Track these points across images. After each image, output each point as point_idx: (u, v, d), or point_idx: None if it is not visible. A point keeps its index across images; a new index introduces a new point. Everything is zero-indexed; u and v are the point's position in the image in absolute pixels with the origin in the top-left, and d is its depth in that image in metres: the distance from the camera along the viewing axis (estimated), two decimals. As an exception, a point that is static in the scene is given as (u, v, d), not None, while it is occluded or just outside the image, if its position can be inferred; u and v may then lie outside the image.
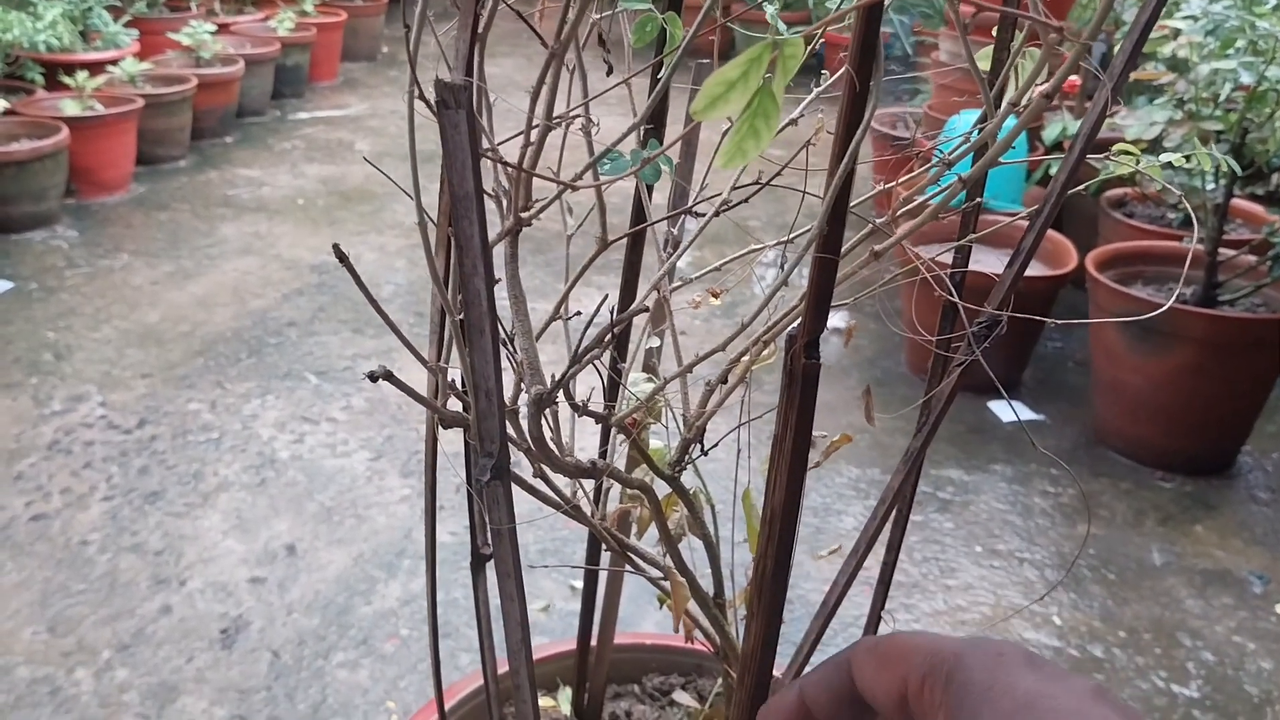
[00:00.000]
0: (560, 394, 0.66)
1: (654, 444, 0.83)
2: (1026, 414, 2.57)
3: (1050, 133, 2.86)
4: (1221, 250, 2.27)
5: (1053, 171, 2.74)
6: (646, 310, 0.70)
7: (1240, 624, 1.88)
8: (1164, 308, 0.79)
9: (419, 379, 0.68)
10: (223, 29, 4.60)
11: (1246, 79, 2.01)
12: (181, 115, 3.92)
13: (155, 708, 1.55)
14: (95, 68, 3.70)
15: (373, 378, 0.54)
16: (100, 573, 1.83)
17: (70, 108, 3.44)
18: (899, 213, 0.70)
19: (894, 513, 0.85)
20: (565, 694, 1.07)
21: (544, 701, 1.06)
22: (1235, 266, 2.28)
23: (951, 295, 0.74)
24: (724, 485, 0.88)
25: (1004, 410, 2.55)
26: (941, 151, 0.72)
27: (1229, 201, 2.24)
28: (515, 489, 0.64)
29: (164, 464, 2.16)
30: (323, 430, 2.30)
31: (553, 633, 1.73)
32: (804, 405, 0.60)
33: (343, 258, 0.58)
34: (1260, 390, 2.31)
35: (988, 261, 0.85)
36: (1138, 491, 2.27)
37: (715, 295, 0.84)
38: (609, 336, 0.60)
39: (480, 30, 0.64)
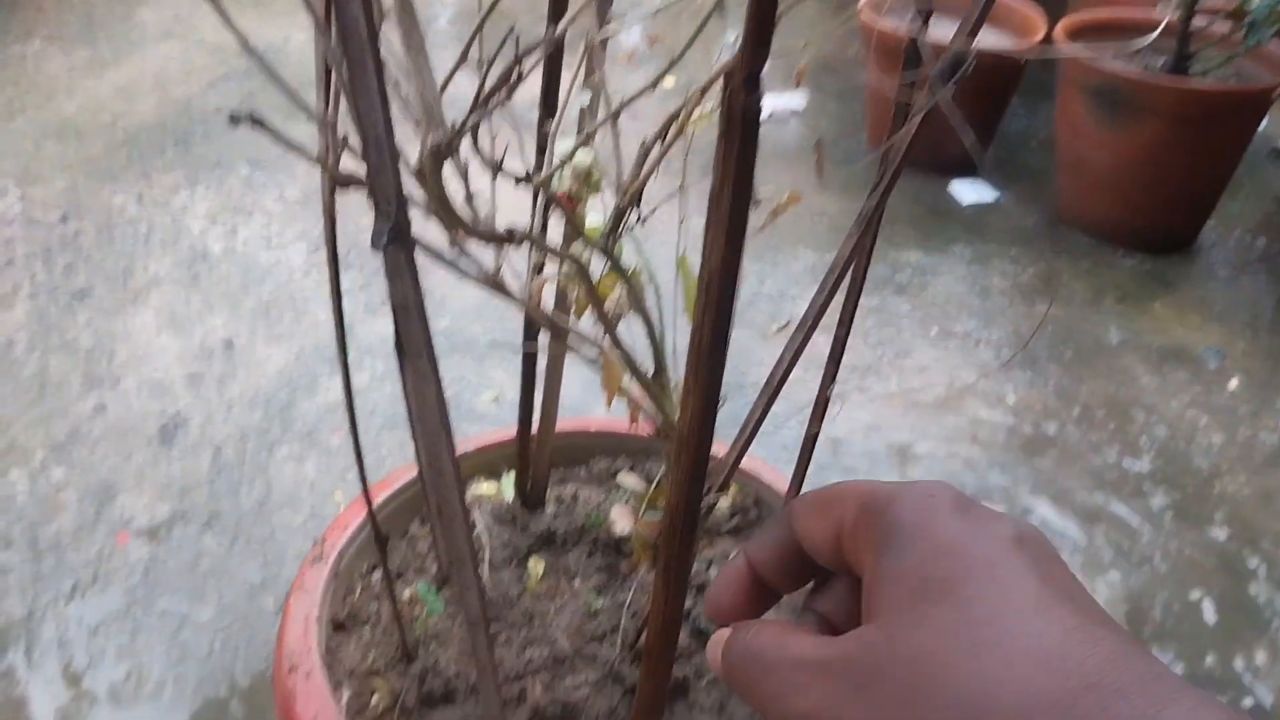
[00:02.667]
0: (472, 150, 0.58)
1: (591, 219, 0.76)
2: (989, 193, 2.51)
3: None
4: (1195, 21, 2.16)
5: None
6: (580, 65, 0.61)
7: (1194, 399, 1.89)
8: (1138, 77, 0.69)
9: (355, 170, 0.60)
10: None
11: None
12: (87, -115, 3.59)
13: (94, 506, 1.51)
14: None
15: (233, 120, 0.45)
16: (29, 373, 1.76)
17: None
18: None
19: (848, 283, 0.79)
20: (509, 479, 1.03)
21: (486, 487, 1.02)
22: (1207, 36, 2.18)
23: (916, 36, 0.66)
24: (667, 259, 0.82)
25: (965, 191, 2.49)
26: None
27: (1207, -37, 2.12)
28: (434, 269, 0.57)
29: (90, 260, 2.06)
30: (256, 222, 2.19)
31: (503, 422, 1.69)
32: (744, 152, 0.52)
33: (252, 53, 0.48)
34: (1227, 166, 2.25)
35: (948, 31, 0.76)
36: (1097, 270, 2.24)
37: (652, 40, 0.75)
38: (515, 72, 0.52)
39: None
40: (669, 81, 0.64)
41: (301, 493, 1.56)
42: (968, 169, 2.56)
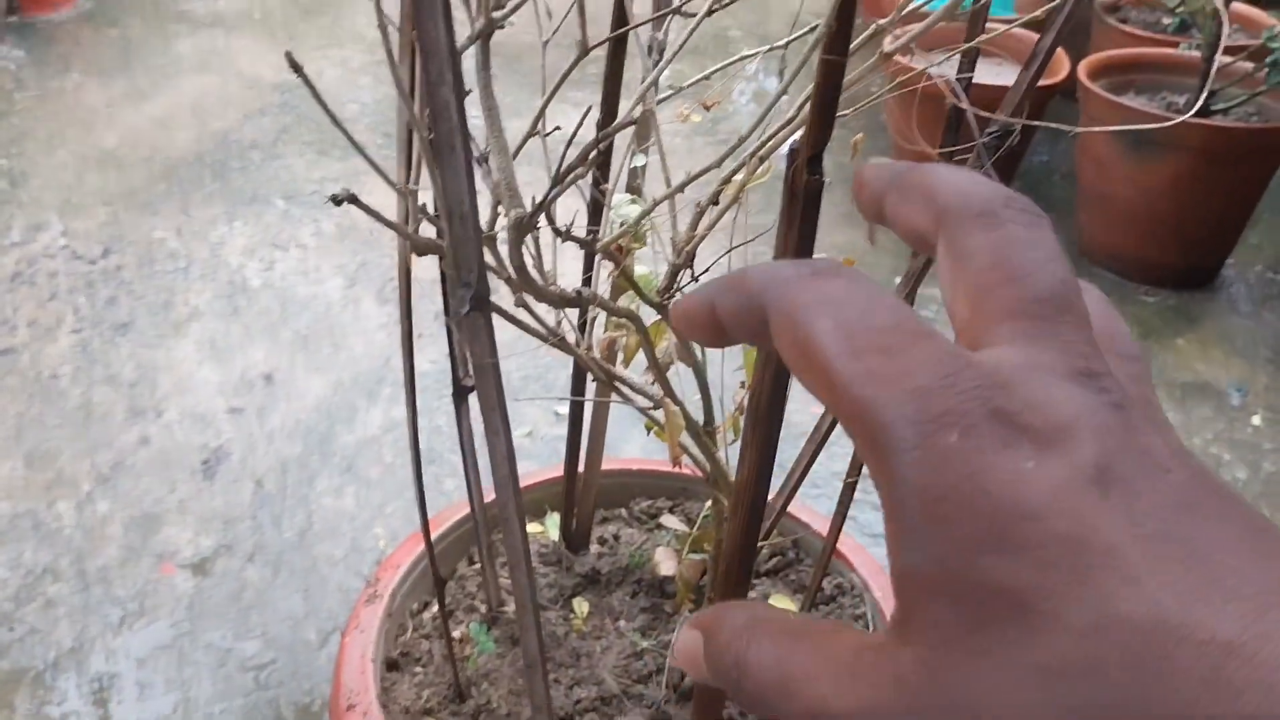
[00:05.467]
0: (542, 218, 0.61)
1: (639, 269, 0.79)
2: (1011, 229, 2.53)
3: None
4: (1216, 58, 2.19)
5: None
6: (633, 124, 0.64)
7: (1218, 434, 1.90)
8: (1174, 121, 0.74)
9: (388, 203, 0.63)
10: None
11: None
12: (124, -79, 3.67)
13: (139, 538, 1.55)
14: None
15: (336, 201, 0.49)
16: (74, 405, 1.80)
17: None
18: (905, 10, 0.64)
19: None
20: (553, 520, 1.06)
21: (532, 528, 1.05)
22: (1229, 74, 2.21)
23: (962, 101, 0.69)
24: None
25: (989, 226, 2.51)
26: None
27: (1229, 4, 2.15)
28: (495, 318, 0.60)
29: (132, 293, 2.10)
30: (293, 256, 2.24)
31: (537, 457, 1.73)
32: (805, 226, 0.55)
33: (298, 69, 0.52)
34: (1248, 203, 2.27)
35: (979, 72, 0.79)
36: (1121, 306, 2.25)
37: (707, 106, 0.79)
38: (593, 153, 0.55)
39: None
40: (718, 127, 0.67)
41: (342, 525, 1.59)
42: (991, 204, 2.58)
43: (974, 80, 0.74)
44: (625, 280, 0.72)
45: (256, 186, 2.50)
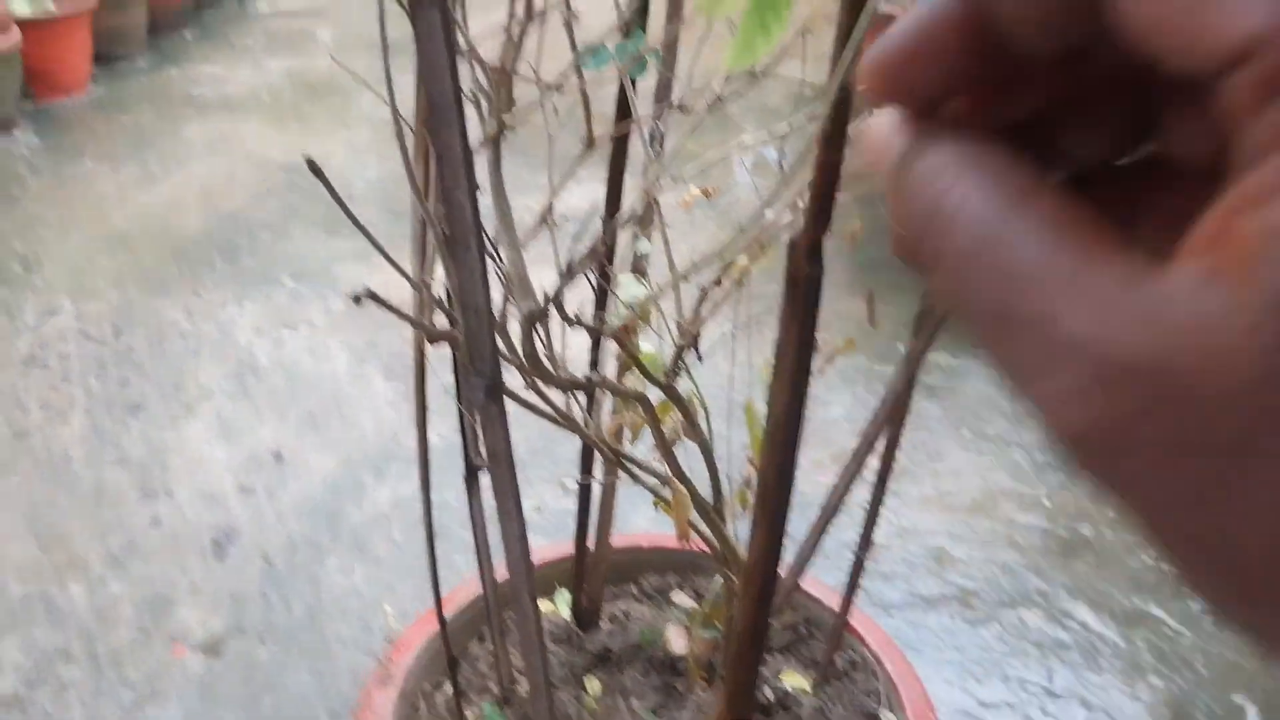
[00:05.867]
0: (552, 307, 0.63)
1: (645, 347, 0.80)
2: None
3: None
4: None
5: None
6: (638, 218, 0.67)
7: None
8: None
9: (396, 282, 0.65)
10: (174, -84, 4.41)
11: None
12: (137, 11, 3.77)
13: (151, 619, 1.55)
14: (43, -37, 3.54)
15: (356, 300, 0.51)
16: (87, 486, 1.81)
17: (21, 8, 3.30)
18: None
19: (891, 412, 0.84)
20: (563, 597, 1.07)
21: (543, 605, 1.06)
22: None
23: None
24: (715, 385, 0.86)
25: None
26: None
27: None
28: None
29: (143, 374, 2.13)
30: (302, 335, 2.27)
31: (545, 531, 1.73)
32: (806, 315, 0.57)
33: (317, 171, 0.54)
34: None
35: None
36: (1123, 370, 2.27)
37: (707, 194, 0.81)
38: (598, 247, 0.57)
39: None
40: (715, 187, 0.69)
41: (351, 603, 1.59)
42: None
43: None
44: (632, 361, 0.74)
45: (266, 266, 2.53)
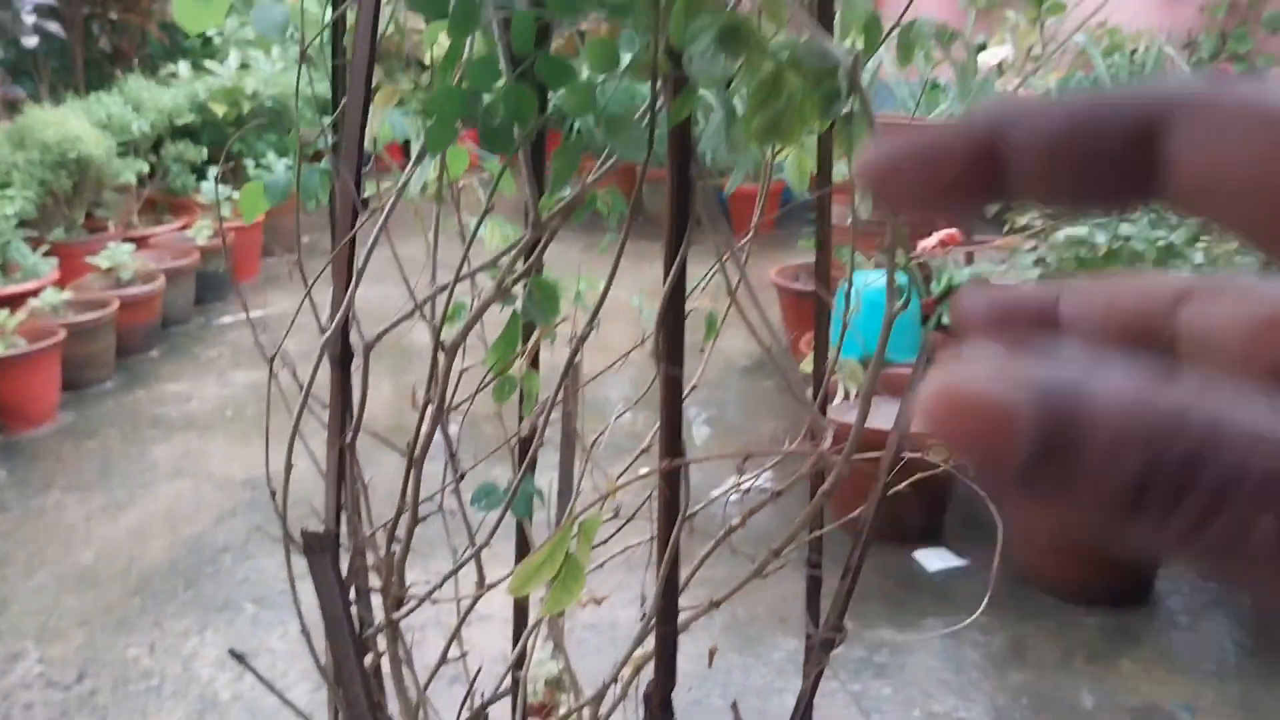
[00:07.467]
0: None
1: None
2: (951, 560, 2.66)
3: (939, 283, 3.02)
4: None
5: (945, 319, 2.88)
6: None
7: (1171, 762, 1.95)
8: None
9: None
10: (141, 243, 4.70)
11: (1100, 239, 2.18)
12: (105, 339, 3.97)
13: None
14: (16, 301, 3.75)
15: (236, 656, 0.60)
16: None
17: (-9, 348, 3.48)
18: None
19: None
20: None
21: None
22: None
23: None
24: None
25: (930, 559, 2.64)
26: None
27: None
28: None
29: (106, 718, 2.15)
30: (262, 664, 2.31)
31: None
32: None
33: (241, 659, 0.65)
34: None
35: (889, 411, 0.97)
36: (1063, 631, 2.35)
37: (598, 602, 0.92)
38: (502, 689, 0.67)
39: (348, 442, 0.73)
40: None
41: None
42: (931, 536, 2.72)
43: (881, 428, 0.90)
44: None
45: (228, 592, 2.60)
